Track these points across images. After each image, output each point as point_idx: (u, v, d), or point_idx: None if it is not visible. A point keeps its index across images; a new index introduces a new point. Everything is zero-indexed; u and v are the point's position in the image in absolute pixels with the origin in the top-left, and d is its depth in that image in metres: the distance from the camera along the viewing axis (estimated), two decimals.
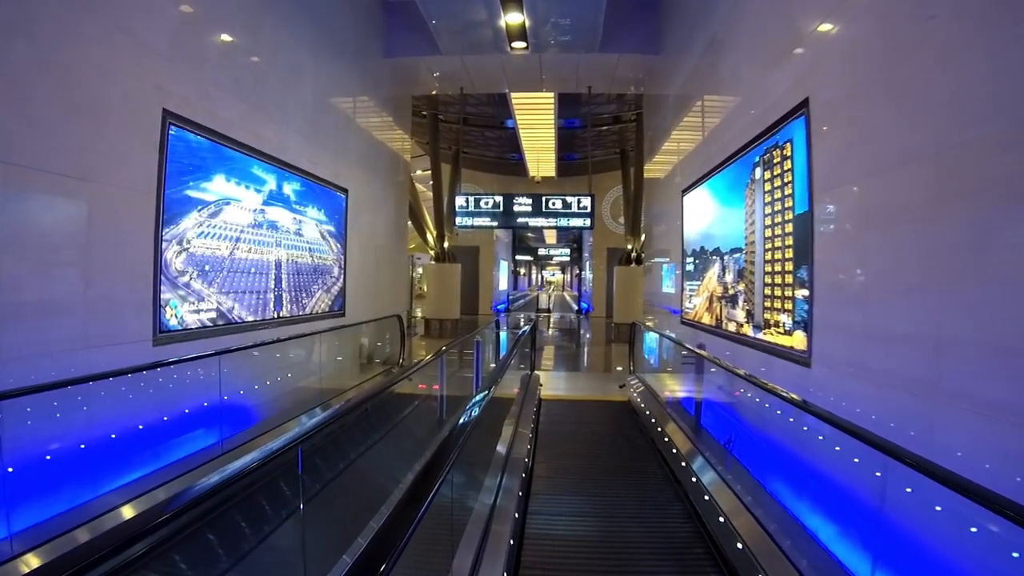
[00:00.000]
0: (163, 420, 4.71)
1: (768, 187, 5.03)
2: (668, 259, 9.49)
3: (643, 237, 15.90)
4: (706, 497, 4.28)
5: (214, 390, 5.44)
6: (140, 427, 4.49)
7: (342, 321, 8.74)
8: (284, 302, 7.09)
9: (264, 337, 6.48)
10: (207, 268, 5.51)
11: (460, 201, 12.32)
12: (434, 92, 13.10)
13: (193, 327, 5.29)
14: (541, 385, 8.86)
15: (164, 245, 4.89)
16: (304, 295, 7.66)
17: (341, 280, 8.83)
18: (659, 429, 6.10)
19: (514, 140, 18.66)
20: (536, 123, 16.61)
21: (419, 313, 18.75)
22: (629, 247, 17.35)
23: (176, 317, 5.07)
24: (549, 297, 38.30)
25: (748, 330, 5.50)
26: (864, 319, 3.52)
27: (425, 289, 19.71)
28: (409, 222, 17.88)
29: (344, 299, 8.91)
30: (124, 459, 4.22)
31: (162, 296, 4.87)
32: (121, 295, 4.44)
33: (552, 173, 22.37)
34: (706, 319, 6.99)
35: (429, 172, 17.60)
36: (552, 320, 26.58)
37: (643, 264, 14.03)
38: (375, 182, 10.43)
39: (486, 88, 13.04)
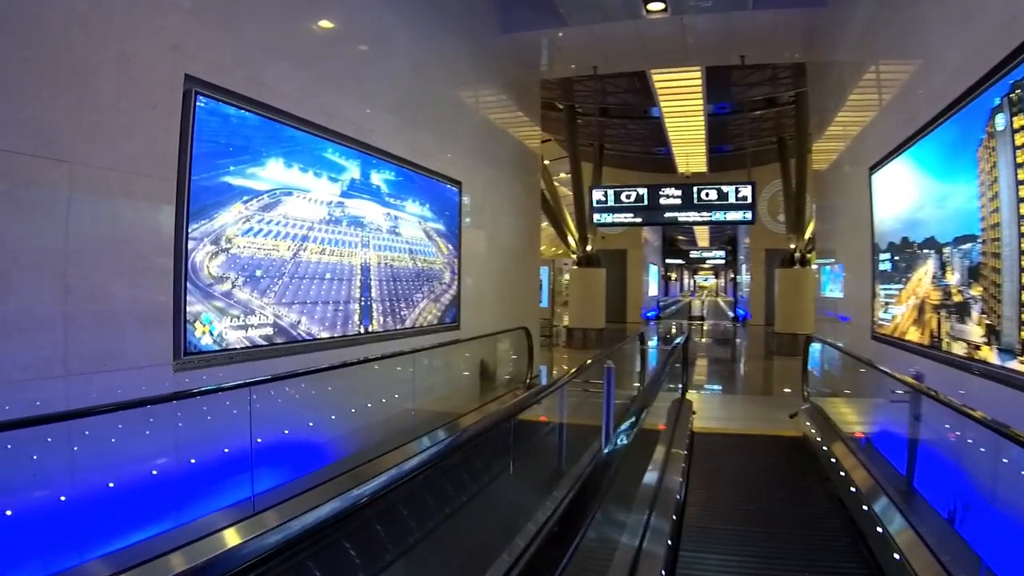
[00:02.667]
0: (177, 469, 3.69)
1: (1022, 140, 3.24)
2: (848, 256, 7.60)
3: (807, 235, 14.54)
4: None
5: (265, 425, 4.39)
6: (148, 476, 3.50)
7: (455, 335, 7.54)
8: (374, 314, 6.00)
9: (346, 357, 5.39)
10: (259, 273, 4.49)
11: (598, 195, 10.73)
12: (565, 72, 11.54)
13: (237, 347, 4.28)
14: (694, 413, 7.01)
15: (192, 244, 3.91)
16: (403, 305, 6.54)
17: (454, 287, 7.65)
18: (852, 489, 4.17)
19: (659, 132, 16.69)
20: (683, 110, 14.60)
21: (565, 321, 17.45)
22: (792, 247, 15.33)
23: (211, 335, 4.07)
24: (702, 303, 36.01)
25: (989, 354, 3.60)
26: None
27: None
28: (550, 225, 16.77)
29: (458, 309, 7.71)
30: (104, 525, 3.21)
31: (189, 308, 3.89)
32: (120, 307, 3.48)
33: (703, 168, 20.08)
34: (913, 335, 4.98)
35: (570, 175, 16.26)
36: (705, 329, 24.29)
37: (812, 265, 12.26)
38: (498, 176, 9.18)
39: (622, 65, 11.26)
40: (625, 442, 3.56)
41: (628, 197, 10.61)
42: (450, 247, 7.54)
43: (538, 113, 11.13)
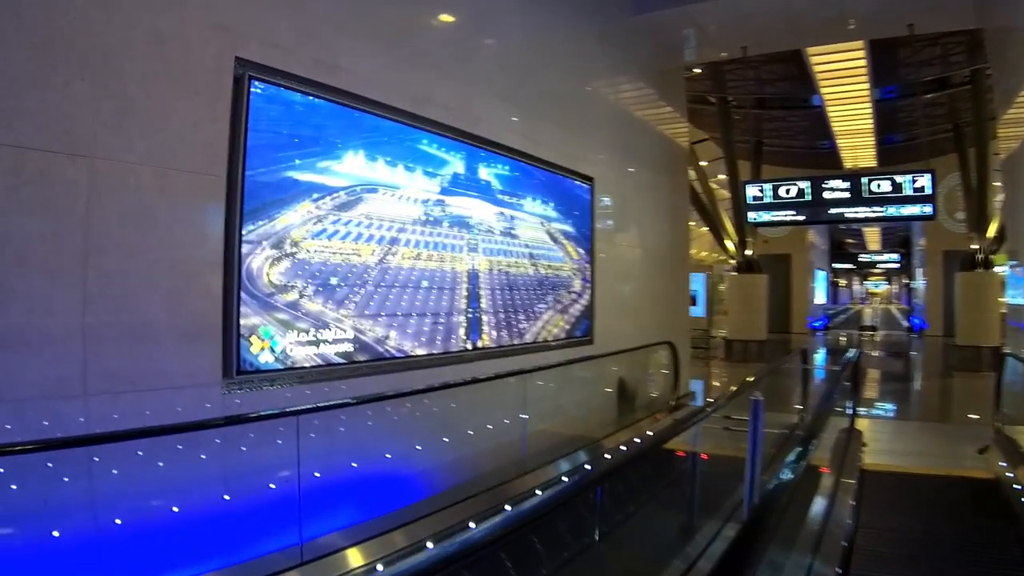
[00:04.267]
0: (213, 507, 3.11)
1: None
2: None
3: (991, 233, 12.90)
4: None
5: (339, 456, 3.75)
6: (174, 515, 2.96)
7: (588, 351, 6.49)
8: (485, 327, 5.18)
9: (448, 376, 4.64)
10: (334, 281, 3.87)
11: (753, 191, 9.17)
12: (711, 56, 9.88)
13: (306, 365, 3.67)
14: (864, 445, 5.37)
15: (246, 248, 3.36)
16: (522, 317, 5.65)
17: (586, 296, 6.61)
18: None
19: (822, 123, 14.36)
20: (847, 95, 12.52)
21: (723, 332, 15.68)
22: (973, 247, 13.26)
23: (272, 351, 3.49)
24: (873, 312, 31.45)
25: None
26: None
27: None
28: (709, 231, 15.08)
29: (591, 321, 6.65)
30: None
31: (243, 321, 3.34)
32: (154, 319, 2.99)
33: (872, 162, 17.47)
34: None
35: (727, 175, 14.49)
36: (876, 340, 21.25)
37: (997, 268, 12.19)
38: (638, 172, 8.00)
39: (773, 44, 9.39)
40: (782, 481, 2.77)
41: (787, 192, 8.97)
42: (581, 251, 6.52)
43: (683, 104, 9.69)
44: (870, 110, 13.21)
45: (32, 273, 2.62)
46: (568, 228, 6.31)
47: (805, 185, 8.95)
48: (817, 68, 11.08)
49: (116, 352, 2.86)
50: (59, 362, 2.69)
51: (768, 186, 9.21)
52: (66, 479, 2.65)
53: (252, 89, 3.38)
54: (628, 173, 7.73)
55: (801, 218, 9.38)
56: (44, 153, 2.64)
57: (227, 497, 3.10)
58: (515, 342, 5.54)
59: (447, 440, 4.53)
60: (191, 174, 3.14)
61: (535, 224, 5.85)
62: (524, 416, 5.10)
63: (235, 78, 3.31)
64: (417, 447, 4.26)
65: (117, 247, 2.87)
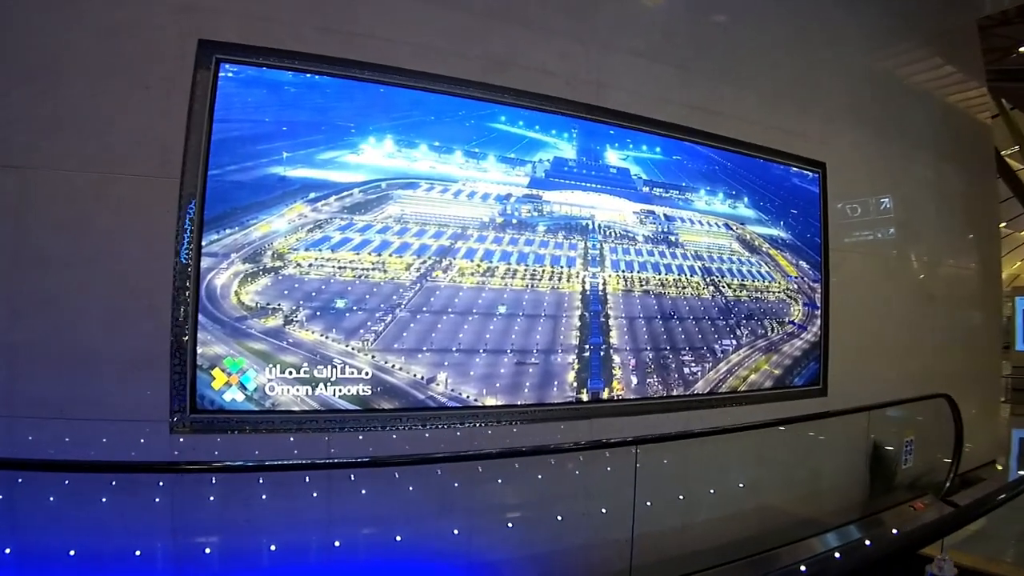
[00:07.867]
0: None
1: None
2: None
3: None
4: None
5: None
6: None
7: (812, 406, 4.08)
8: (616, 370, 3.51)
9: (542, 437, 3.22)
10: (341, 304, 2.89)
11: None
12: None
13: (295, 409, 2.77)
14: None
15: (208, 262, 2.66)
16: (689, 358, 3.75)
17: (813, 329, 4.21)
18: None
19: None
20: None
21: None
22: None
23: (243, 389, 2.69)
24: None
25: None
26: None
27: None
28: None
29: (823, 364, 4.20)
30: None
31: (202, 349, 2.63)
32: (90, 343, 2.47)
33: None
34: None
35: None
36: None
37: None
38: (906, 157, 5.15)
39: None
40: None
41: None
42: (804, 265, 4.17)
43: (980, 70, 6.08)
44: None
45: None
46: (778, 233, 4.08)
47: None
48: None
49: (46, 376, 2.44)
50: None
51: None
52: None
53: (221, 73, 2.69)
54: (887, 157, 4.92)
55: None
56: None
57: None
58: (676, 393, 3.69)
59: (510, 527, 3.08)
60: (137, 178, 2.57)
61: (715, 227, 3.88)
62: (647, 503, 3.24)
63: (197, 63, 2.66)
64: (398, 540, 2.93)
65: (48, 261, 2.45)
